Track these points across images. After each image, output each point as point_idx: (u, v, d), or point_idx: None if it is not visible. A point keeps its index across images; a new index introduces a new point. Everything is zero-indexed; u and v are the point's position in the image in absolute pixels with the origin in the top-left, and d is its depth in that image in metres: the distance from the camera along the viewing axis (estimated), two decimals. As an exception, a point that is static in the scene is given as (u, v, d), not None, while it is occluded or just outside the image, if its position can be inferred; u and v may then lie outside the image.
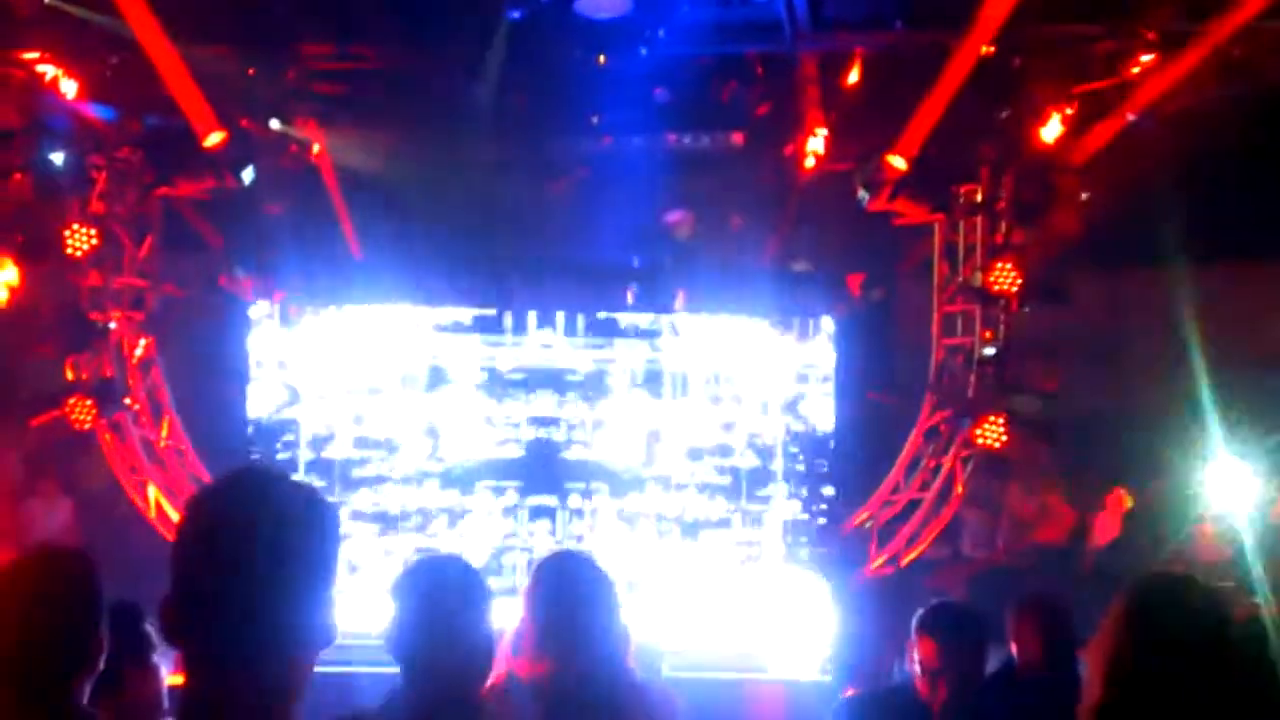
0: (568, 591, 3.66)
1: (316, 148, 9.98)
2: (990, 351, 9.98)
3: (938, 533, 10.17)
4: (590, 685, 3.56)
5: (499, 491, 9.70)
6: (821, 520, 9.86)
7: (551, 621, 3.59)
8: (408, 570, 3.29)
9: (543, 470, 9.75)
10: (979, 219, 10.13)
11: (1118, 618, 3.18)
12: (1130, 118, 9.18)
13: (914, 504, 10.24)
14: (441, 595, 3.16)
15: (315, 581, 2.04)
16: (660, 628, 9.00)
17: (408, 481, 9.80)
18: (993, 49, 8.88)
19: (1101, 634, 3.23)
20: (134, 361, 10.11)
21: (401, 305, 9.87)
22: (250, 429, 9.79)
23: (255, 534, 1.99)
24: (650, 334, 9.86)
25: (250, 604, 1.97)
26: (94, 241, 9.59)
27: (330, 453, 9.80)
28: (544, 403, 9.79)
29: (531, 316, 9.86)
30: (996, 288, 9.84)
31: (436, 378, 9.85)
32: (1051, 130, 9.64)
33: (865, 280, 9.96)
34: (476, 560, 9.16)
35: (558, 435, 9.76)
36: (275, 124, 9.77)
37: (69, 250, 9.55)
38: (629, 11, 9.04)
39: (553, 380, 9.82)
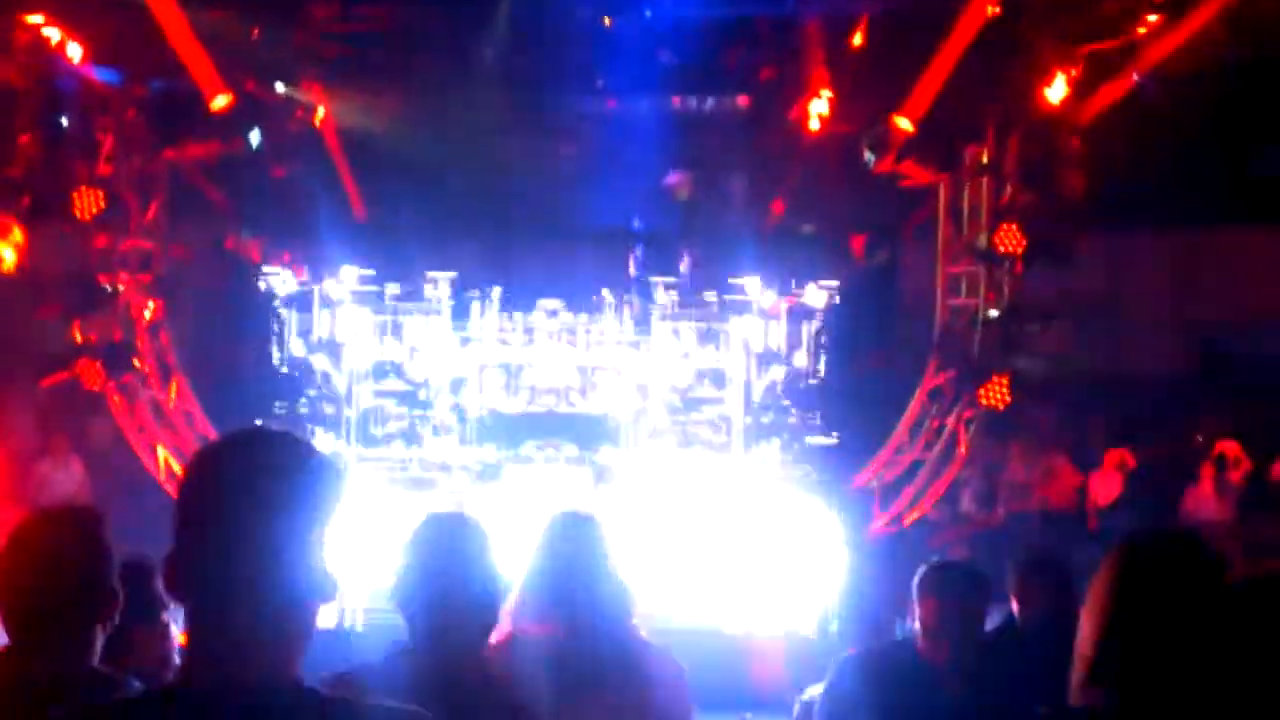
0: (572, 552, 3.70)
1: (322, 111, 9.97)
2: (994, 313, 9.99)
3: (941, 492, 10.20)
4: (593, 645, 3.60)
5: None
6: (814, 475, 9.82)
7: (556, 582, 3.63)
8: (416, 526, 3.33)
9: (549, 426, 9.68)
10: (984, 180, 10.12)
11: (1110, 574, 3.22)
12: (1136, 79, 9.13)
13: (918, 464, 10.27)
14: (446, 551, 3.20)
15: (315, 537, 2.05)
16: (658, 583, 9.06)
17: (436, 433, 9.71)
18: (998, 10, 8.85)
19: (1095, 590, 3.27)
20: (142, 324, 10.13)
21: (406, 267, 9.80)
22: (262, 389, 9.76)
23: (254, 490, 2.01)
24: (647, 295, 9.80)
25: (249, 559, 1.99)
26: (101, 204, 9.58)
27: (349, 411, 9.73)
28: (548, 359, 9.73)
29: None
30: (1001, 249, 9.82)
31: (454, 339, 9.74)
32: (1057, 91, 9.61)
33: (869, 242, 9.96)
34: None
35: (560, 390, 9.70)
36: (281, 87, 9.77)
37: (77, 213, 9.55)
38: (635, -27, 9.04)
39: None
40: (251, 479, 2.04)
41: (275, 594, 2.02)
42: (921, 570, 5.40)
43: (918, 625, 5.41)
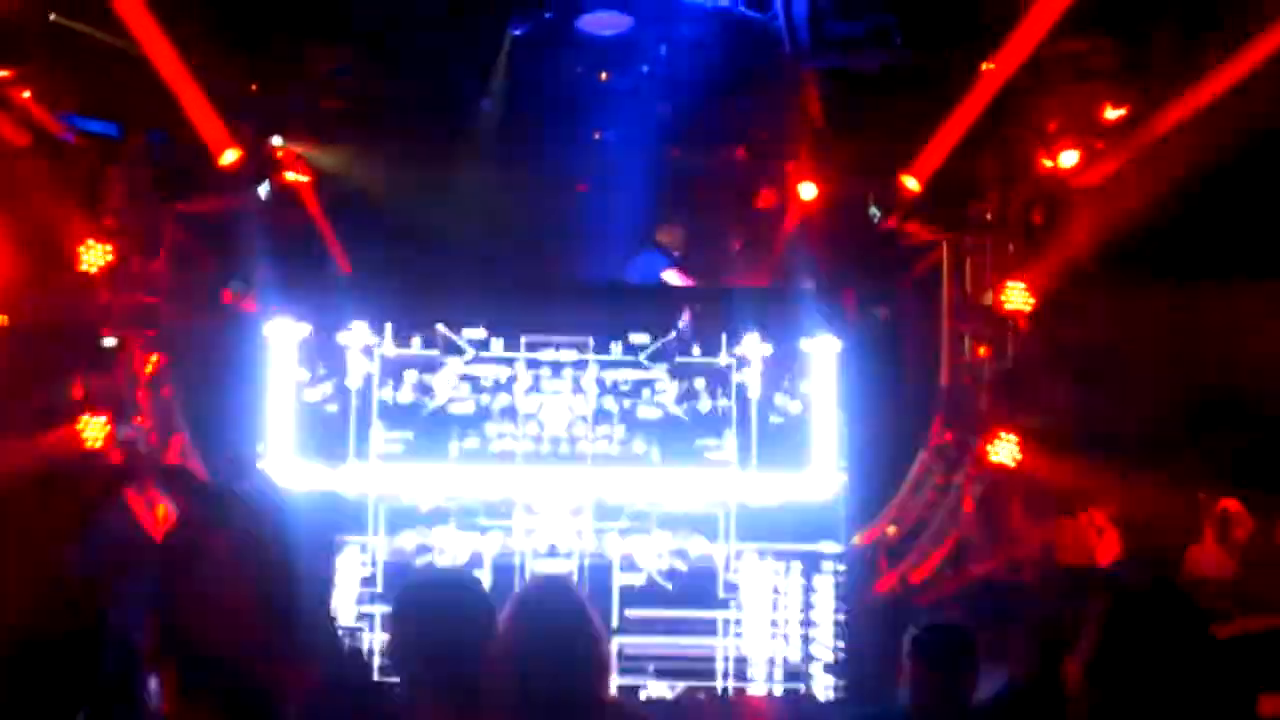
0: (547, 616, 3.68)
1: (314, 164, 10.02)
2: (999, 369, 9.96)
3: (947, 552, 10.09)
4: (567, 712, 3.58)
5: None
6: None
7: (529, 647, 3.60)
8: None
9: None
10: (988, 237, 10.12)
11: (1093, 626, 3.22)
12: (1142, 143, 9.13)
13: (922, 523, 10.18)
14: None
15: (305, 597, 2.05)
16: (651, 639, 8.96)
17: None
18: (994, 66, 8.89)
19: (1080, 643, 3.29)
20: (144, 379, 10.10)
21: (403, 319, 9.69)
22: (260, 446, 9.67)
23: (237, 556, 2.00)
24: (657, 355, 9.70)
25: (235, 624, 1.98)
26: (109, 258, 9.59)
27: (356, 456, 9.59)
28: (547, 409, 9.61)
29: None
30: (1007, 306, 9.83)
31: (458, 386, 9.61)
32: (1061, 150, 9.64)
33: (869, 298, 9.92)
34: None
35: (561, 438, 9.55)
36: (278, 140, 9.82)
37: (83, 266, 9.56)
38: (631, 28, 9.11)
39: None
40: (234, 544, 2.02)
41: (263, 655, 2.01)
42: (910, 633, 5.34)
43: (909, 688, 5.34)
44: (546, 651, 3.57)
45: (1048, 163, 9.65)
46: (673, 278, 10.53)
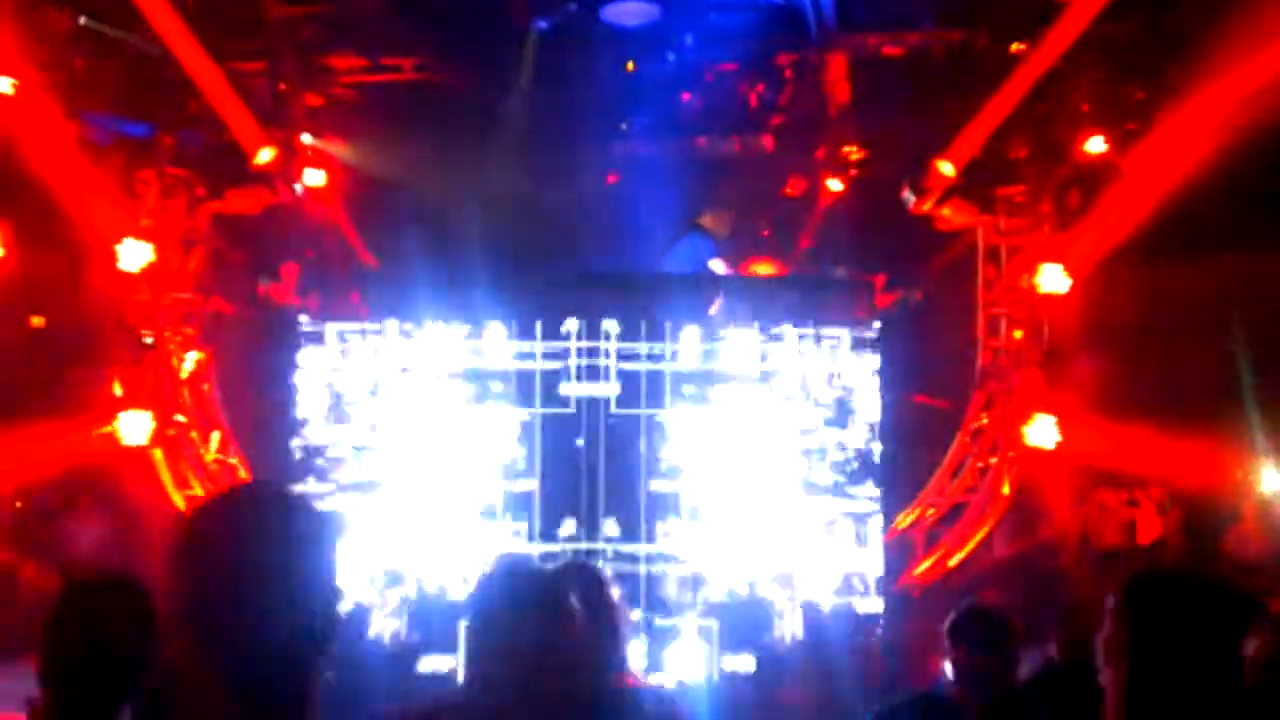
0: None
1: (340, 159, 10.07)
2: (1036, 352, 9.92)
3: (986, 534, 10.05)
4: (580, 699, 3.47)
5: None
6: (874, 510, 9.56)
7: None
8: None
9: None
10: (1023, 220, 10.07)
11: (1113, 614, 3.20)
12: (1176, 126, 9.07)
13: (960, 506, 10.13)
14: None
15: (314, 593, 2.06)
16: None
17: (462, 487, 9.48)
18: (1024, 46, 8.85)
19: (1104, 630, 3.26)
20: (185, 376, 10.17)
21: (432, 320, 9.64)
22: (296, 441, 9.67)
23: (249, 551, 2.01)
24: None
25: (247, 620, 2.00)
26: (150, 257, 9.66)
27: (377, 460, 9.58)
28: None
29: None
30: (1043, 288, 9.78)
31: (481, 391, 9.53)
32: (1093, 132, 9.59)
33: (901, 283, 9.87)
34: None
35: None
36: (307, 138, 9.86)
37: (122, 265, 9.64)
38: (656, 18, 9.09)
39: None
40: (246, 541, 2.04)
41: (277, 652, 2.02)
42: (950, 616, 5.33)
43: (949, 672, 5.34)
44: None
45: (1083, 145, 9.58)
46: (718, 266, 10.46)
